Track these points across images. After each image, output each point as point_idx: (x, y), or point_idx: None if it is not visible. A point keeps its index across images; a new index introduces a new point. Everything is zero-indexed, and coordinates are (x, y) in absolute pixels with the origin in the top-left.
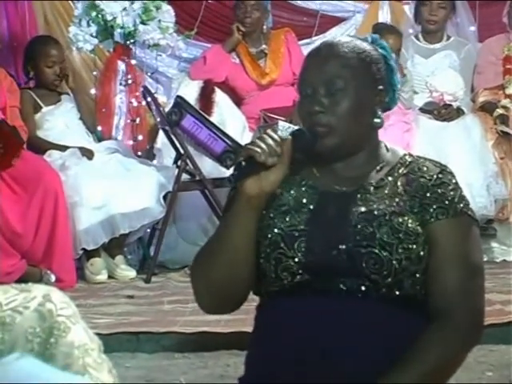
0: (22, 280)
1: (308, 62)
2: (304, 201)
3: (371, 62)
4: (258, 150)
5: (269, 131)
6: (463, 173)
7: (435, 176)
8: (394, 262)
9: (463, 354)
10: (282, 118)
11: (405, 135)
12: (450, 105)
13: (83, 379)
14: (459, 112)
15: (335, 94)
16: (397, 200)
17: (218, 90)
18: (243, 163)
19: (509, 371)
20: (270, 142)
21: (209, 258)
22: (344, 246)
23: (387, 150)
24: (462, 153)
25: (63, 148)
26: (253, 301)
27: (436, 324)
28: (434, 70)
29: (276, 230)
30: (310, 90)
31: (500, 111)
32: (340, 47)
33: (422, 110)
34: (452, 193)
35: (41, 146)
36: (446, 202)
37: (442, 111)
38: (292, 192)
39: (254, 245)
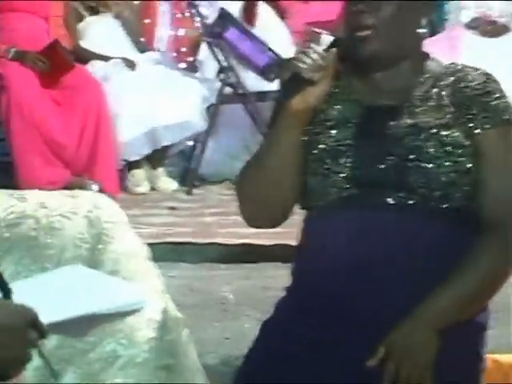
0: (67, 189)
1: None
2: (349, 115)
3: None
4: (304, 65)
5: (312, 45)
6: (507, 92)
7: (480, 85)
8: (442, 175)
9: None
10: (327, 32)
11: (450, 51)
12: (496, 21)
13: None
14: (506, 29)
15: None
16: (443, 112)
17: (261, 2)
18: (289, 79)
19: None
20: (315, 56)
21: (254, 172)
22: (391, 160)
23: (431, 60)
24: (508, 70)
25: (106, 58)
26: (296, 214)
27: (486, 235)
28: None
29: (321, 146)
30: None
31: None
32: None
33: (468, 25)
34: (497, 101)
35: (84, 56)
36: (491, 111)
37: (489, 27)
38: (337, 107)
39: (300, 159)
